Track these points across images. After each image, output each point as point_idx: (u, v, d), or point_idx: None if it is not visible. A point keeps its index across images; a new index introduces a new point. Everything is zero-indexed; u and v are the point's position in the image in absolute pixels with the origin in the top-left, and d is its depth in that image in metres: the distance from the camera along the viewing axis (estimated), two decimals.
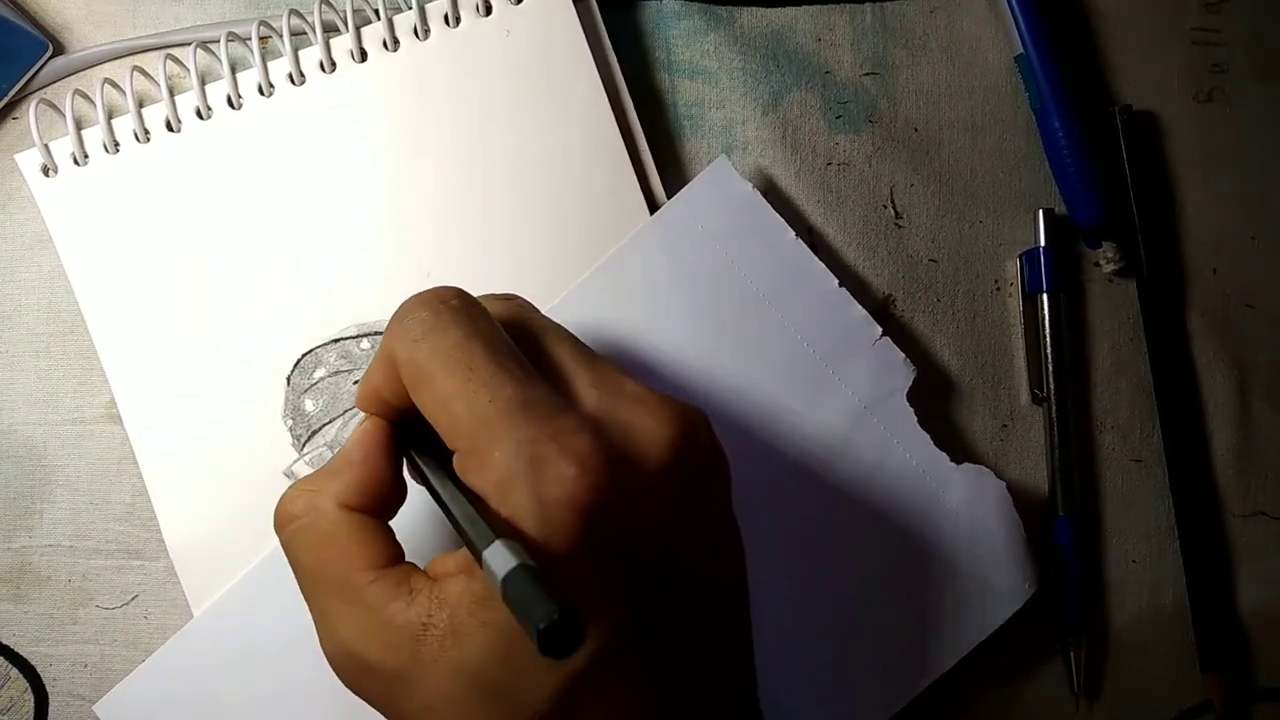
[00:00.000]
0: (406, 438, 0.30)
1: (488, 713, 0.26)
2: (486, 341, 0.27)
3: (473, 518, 0.25)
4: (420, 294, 0.29)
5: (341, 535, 0.28)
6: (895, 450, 0.40)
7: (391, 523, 0.30)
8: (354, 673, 0.27)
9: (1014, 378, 0.44)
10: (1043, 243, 0.43)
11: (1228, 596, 0.44)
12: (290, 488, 0.30)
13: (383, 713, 0.28)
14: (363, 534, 0.28)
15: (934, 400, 0.43)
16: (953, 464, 0.40)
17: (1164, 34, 0.45)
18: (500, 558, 0.23)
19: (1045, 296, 0.43)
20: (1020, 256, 0.44)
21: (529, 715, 0.25)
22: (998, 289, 0.44)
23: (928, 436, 0.40)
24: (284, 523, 0.29)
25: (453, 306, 0.28)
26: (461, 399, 0.26)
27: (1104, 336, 0.44)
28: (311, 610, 0.29)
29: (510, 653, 0.25)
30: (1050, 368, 0.43)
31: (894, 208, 0.44)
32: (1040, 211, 0.43)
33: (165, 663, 0.38)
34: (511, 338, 0.29)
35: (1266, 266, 0.45)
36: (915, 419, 0.40)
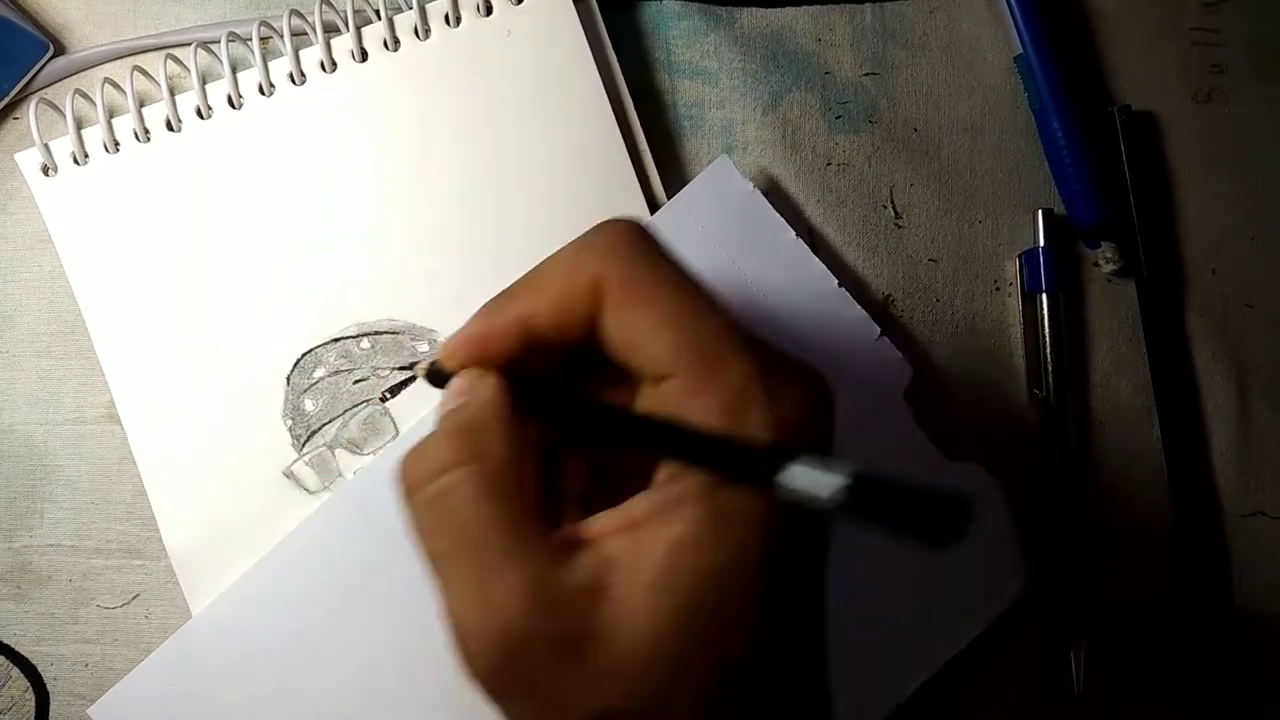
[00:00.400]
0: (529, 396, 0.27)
1: (675, 672, 0.23)
2: (694, 276, 0.27)
3: (730, 443, 0.24)
4: (613, 221, 0.27)
5: (511, 490, 0.25)
6: (892, 449, 0.40)
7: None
8: (513, 649, 0.23)
9: (1013, 377, 0.44)
10: (1042, 243, 0.43)
11: (1228, 596, 0.44)
12: (419, 444, 0.26)
13: (533, 702, 0.24)
14: (530, 489, 0.26)
15: (933, 399, 0.43)
16: (949, 462, 0.40)
17: (1163, 34, 0.45)
18: (817, 475, 0.22)
19: (1044, 296, 0.43)
20: (1020, 256, 0.44)
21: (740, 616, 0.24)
22: (997, 289, 0.44)
23: (924, 435, 0.40)
24: (426, 477, 0.25)
25: (653, 239, 0.27)
26: (691, 319, 0.26)
27: (1103, 336, 0.44)
28: (456, 582, 0.25)
29: (713, 592, 0.23)
30: (1049, 367, 0.43)
31: (894, 208, 0.44)
32: (1040, 212, 0.43)
33: (162, 664, 0.38)
34: None
35: (1266, 267, 0.45)
36: (912, 417, 0.40)
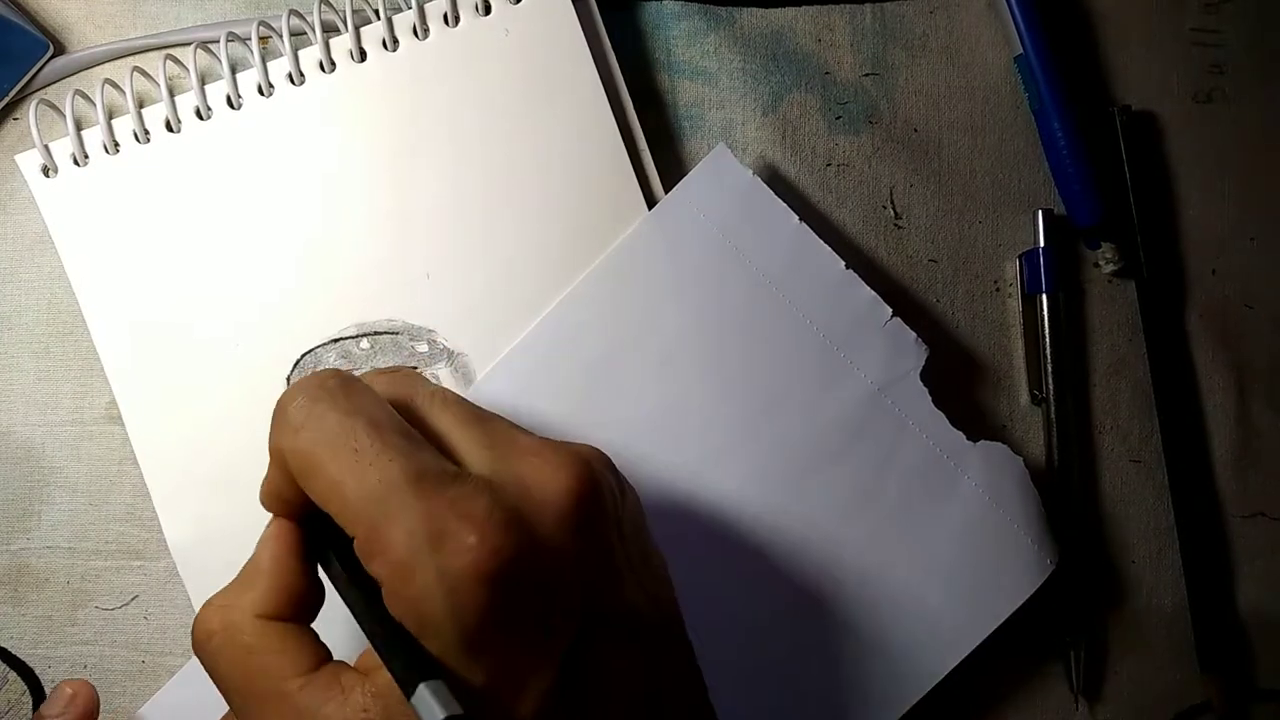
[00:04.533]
0: (314, 537, 0.29)
1: None
2: (369, 418, 0.27)
3: (394, 649, 0.25)
4: (297, 382, 0.28)
5: (263, 646, 0.27)
6: (912, 430, 0.40)
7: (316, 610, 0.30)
8: None
9: (1013, 378, 0.44)
10: (1042, 243, 0.43)
11: (1227, 597, 0.44)
12: (204, 605, 0.29)
13: None
14: (285, 641, 0.27)
15: (943, 399, 0.43)
16: (970, 442, 0.40)
17: (1163, 34, 0.45)
18: (428, 702, 0.23)
19: (1045, 297, 0.43)
20: (1020, 257, 0.44)
21: None
22: (997, 289, 0.44)
23: (943, 415, 0.40)
24: (202, 641, 0.28)
25: (329, 389, 0.28)
26: (351, 482, 0.25)
27: (1103, 337, 0.44)
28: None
29: None
30: (1050, 368, 0.43)
31: (894, 208, 0.44)
32: (1040, 212, 0.43)
33: (177, 693, 0.39)
34: (396, 410, 0.28)
35: (1266, 267, 0.45)
36: (930, 399, 0.40)
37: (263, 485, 0.29)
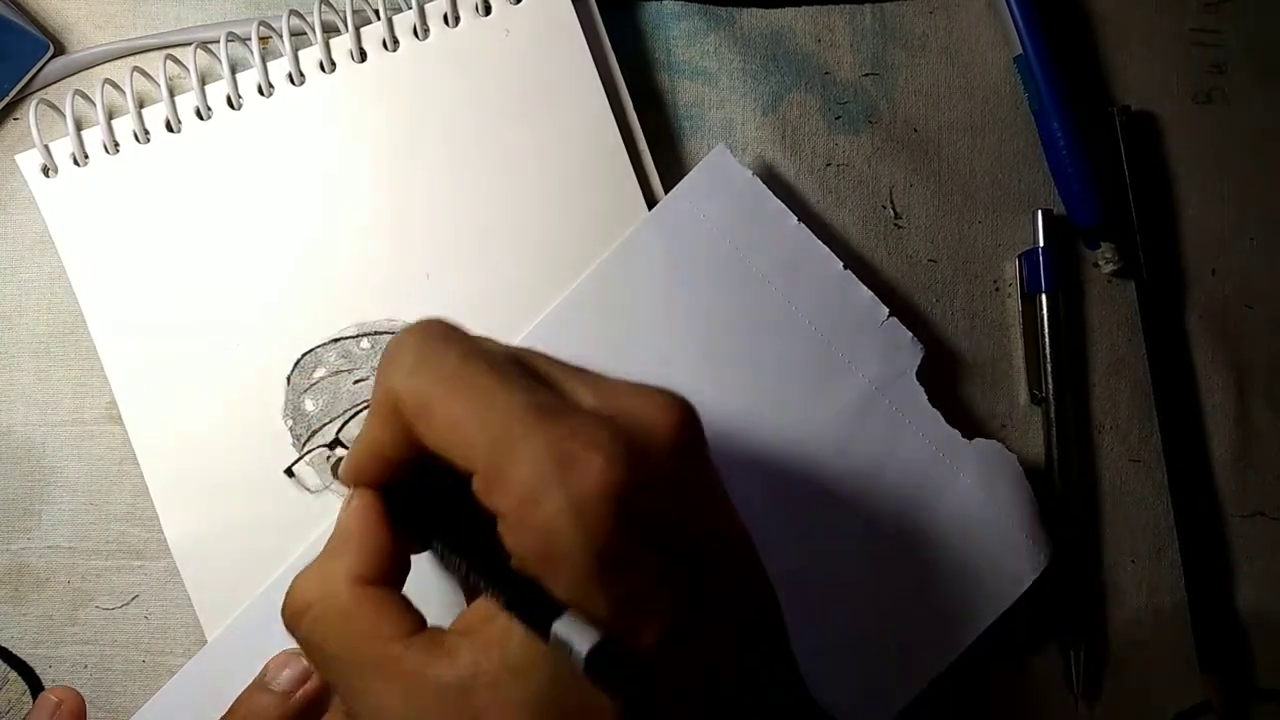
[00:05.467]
0: (400, 504, 0.30)
1: None
2: (485, 357, 0.27)
3: (519, 589, 0.25)
4: (404, 330, 0.28)
5: (362, 611, 0.27)
6: (908, 429, 0.40)
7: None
8: None
9: (1013, 378, 0.44)
10: (1042, 243, 0.43)
11: (1227, 597, 0.44)
12: (296, 578, 0.29)
13: None
14: (383, 606, 0.28)
15: (939, 398, 0.43)
16: (966, 440, 0.41)
17: (1163, 35, 0.46)
18: (571, 631, 0.23)
19: (1044, 297, 0.43)
20: (1019, 257, 0.44)
21: None
22: (997, 289, 0.44)
23: (939, 414, 0.40)
24: (299, 613, 0.28)
25: (440, 331, 0.28)
26: (474, 416, 0.26)
27: (1103, 337, 0.44)
28: (348, 695, 0.28)
29: (573, 676, 0.24)
30: (1049, 368, 0.43)
31: (893, 208, 0.44)
32: (1039, 212, 0.44)
33: (181, 688, 0.38)
34: None
35: (1265, 267, 0.45)
36: (926, 397, 0.41)
37: (355, 450, 0.29)
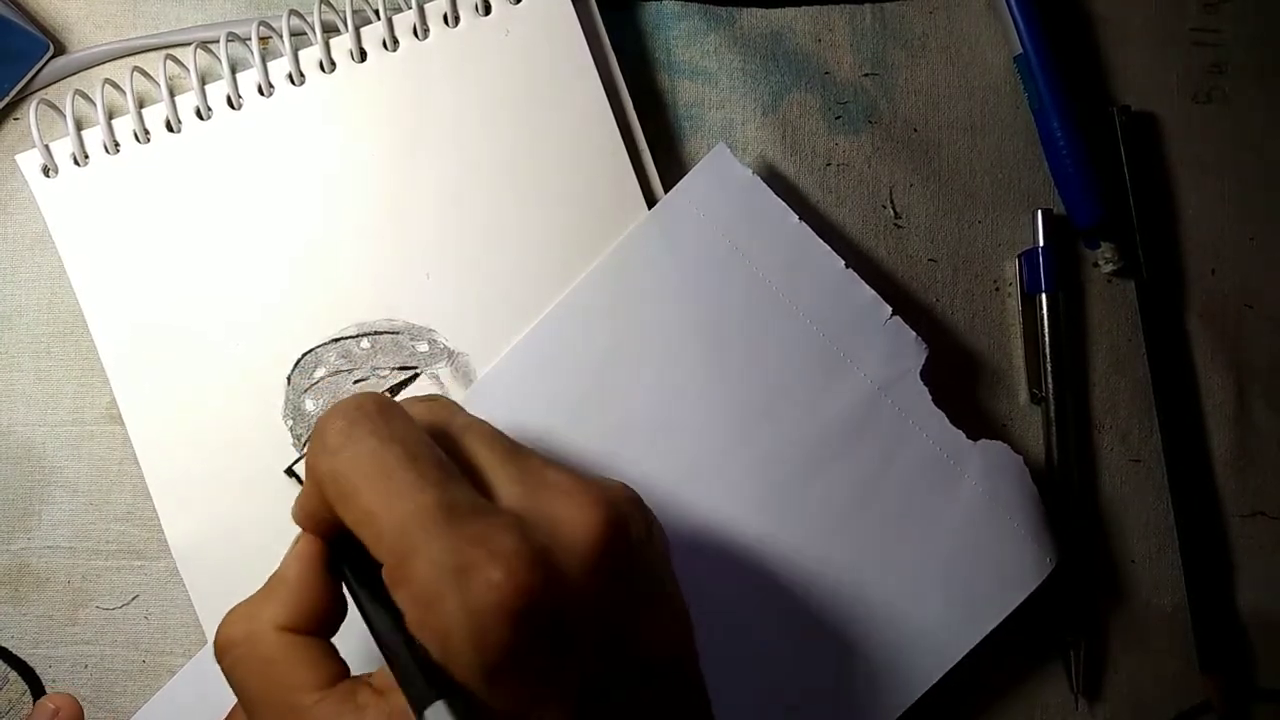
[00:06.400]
0: (341, 555, 0.30)
1: None
2: (404, 446, 0.27)
3: (409, 668, 0.25)
4: (337, 404, 0.28)
5: (282, 659, 0.28)
6: (912, 429, 0.40)
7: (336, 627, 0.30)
8: None
9: (1013, 378, 0.44)
10: (1041, 243, 0.43)
11: (1227, 597, 0.44)
12: (228, 613, 0.29)
13: None
14: (304, 655, 0.28)
15: (943, 398, 0.43)
16: (970, 440, 0.40)
17: (1163, 34, 0.46)
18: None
19: (1044, 297, 0.43)
20: (1019, 257, 0.44)
21: None
22: (997, 289, 0.44)
23: (943, 414, 0.40)
24: (224, 650, 0.28)
25: (368, 413, 0.28)
26: (382, 510, 0.26)
27: (1103, 337, 0.44)
28: None
29: None
30: (1049, 368, 0.43)
31: (893, 208, 0.44)
32: (1039, 212, 0.44)
33: (181, 687, 0.38)
34: (432, 438, 0.28)
35: (1265, 267, 0.45)
36: (930, 398, 0.40)
37: (297, 501, 0.30)
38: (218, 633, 0.29)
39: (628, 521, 0.28)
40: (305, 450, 0.29)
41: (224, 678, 0.29)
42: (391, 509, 0.25)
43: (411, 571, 0.25)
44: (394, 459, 0.26)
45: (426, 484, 0.26)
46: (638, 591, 0.28)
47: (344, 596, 0.30)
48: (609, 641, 0.27)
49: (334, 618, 0.29)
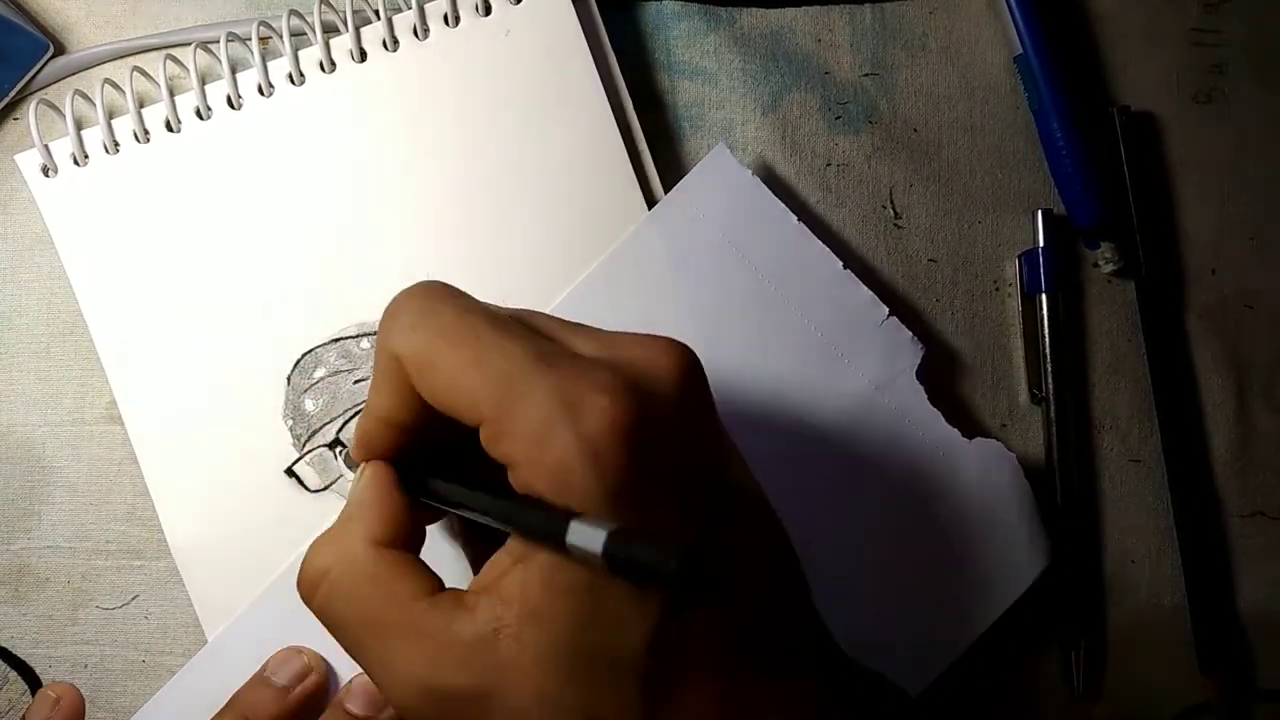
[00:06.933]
0: (411, 478, 0.30)
1: (589, 683, 0.25)
2: (483, 312, 0.27)
3: (532, 507, 0.25)
4: (401, 292, 0.29)
5: (383, 573, 0.27)
6: (908, 429, 0.40)
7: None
8: (431, 708, 0.26)
9: (1013, 378, 0.44)
10: (1041, 243, 0.43)
11: (1227, 597, 0.44)
12: (311, 547, 0.29)
13: None
14: (403, 568, 0.27)
15: (939, 398, 0.43)
16: (965, 439, 0.41)
17: (1163, 35, 0.45)
18: (587, 533, 0.23)
19: (1044, 297, 0.43)
20: (1019, 257, 0.44)
21: (629, 666, 0.25)
22: (997, 289, 0.44)
23: (939, 413, 0.41)
24: (315, 581, 0.28)
25: (439, 290, 0.28)
26: (476, 367, 0.26)
27: (1103, 337, 0.44)
28: (367, 661, 0.27)
29: (596, 612, 0.25)
30: (1049, 368, 0.43)
31: (893, 208, 0.44)
32: (1039, 212, 0.44)
33: (179, 692, 0.38)
34: None
35: (1265, 267, 0.45)
36: (926, 397, 0.41)
37: (362, 423, 0.30)
38: (303, 567, 0.28)
39: (697, 363, 0.28)
40: (377, 333, 0.28)
41: (317, 618, 0.28)
42: (487, 365, 0.26)
43: (518, 418, 0.25)
44: (479, 322, 0.27)
45: (514, 339, 0.26)
46: (722, 434, 0.29)
47: (420, 516, 0.30)
48: (708, 470, 0.27)
49: (418, 536, 0.29)
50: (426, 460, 0.30)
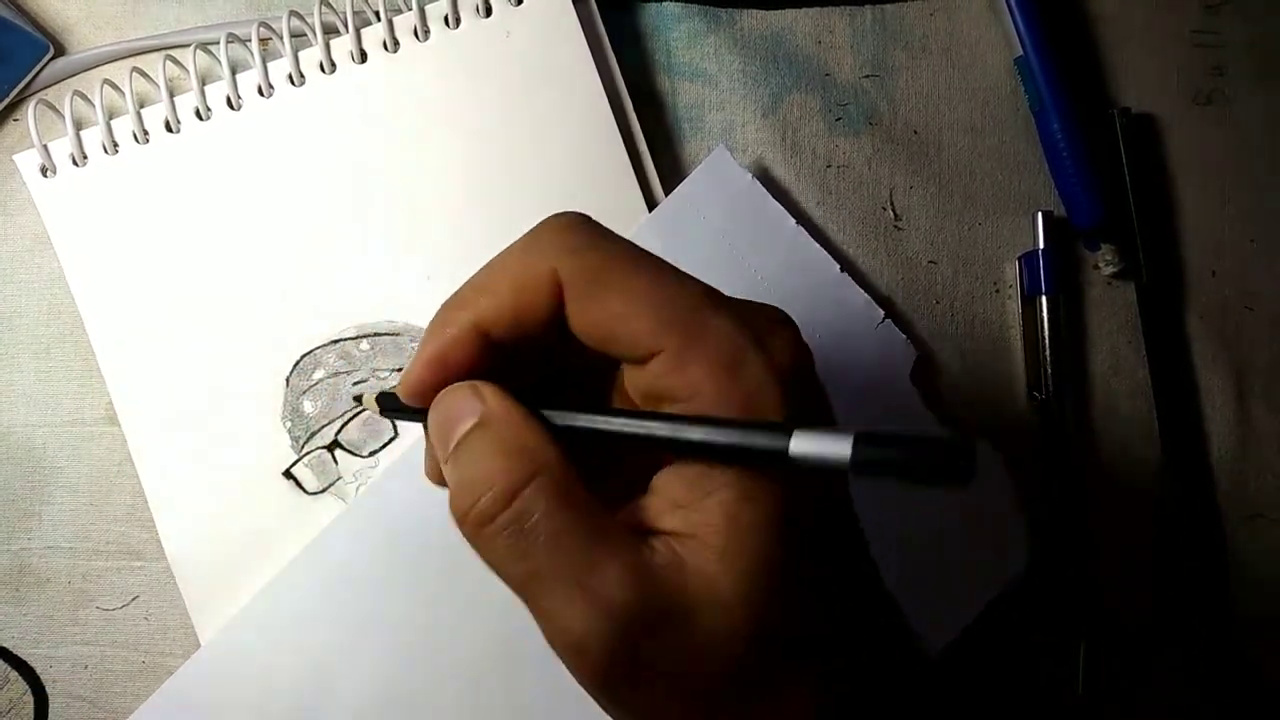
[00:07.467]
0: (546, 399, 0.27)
1: (784, 611, 0.24)
2: (648, 251, 0.27)
3: (736, 429, 0.24)
4: (551, 218, 0.27)
5: (577, 487, 0.25)
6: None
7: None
8: (633, 637, 0.23)
9: (1013, 379, 0.44)
10: (1042, 245, 0.43)
11: (1227, 597, 0.44)
12: (456, 457, 0.26)
13: (655, 690, 0.24)
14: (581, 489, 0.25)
15: (937, 382, 0.43)
16: None
17: (1163, 36, 0.45)
18: (823, 441, 0.22)
19: (1044, 298, 0.43)
20: (1019, 259, 0.44)
21: (821, 592, 0.25)
22: (997, 291, 0.44)
23: (932, 415, 0.41)
24: (500, 503, 0.25)
25: (597, 224, 0.28)
26: (662, 292, 0.26)
27: (1103, 338, 0.44)
28: (556, 594, 0.24)
29: (788, 540, 0.24)
30: (1049, 370, 0.43)
31: (893, 210, 0.44)
32: (1039, 214, 0.43)
33: (171, 696, 0.38)
34: None
35: (1265, 269, 0.45)
36: (919, 399, 0.41)
37: (436, 331, 0.27)
38: (464, 508, 0.25)
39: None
40: (515, 247, 0.27)
41: (490, 552, 0.25)
42: (674, 292, 0.26)
43: (709, 344, 0.25)
44: (647, 256, 0.27)
45: (688, 276, 0.26)
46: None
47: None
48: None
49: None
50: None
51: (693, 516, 0.24)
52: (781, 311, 0.27)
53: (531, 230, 0.27)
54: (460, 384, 0.27)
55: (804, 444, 0.22)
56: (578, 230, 0.27)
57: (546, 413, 0.26)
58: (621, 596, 0.23)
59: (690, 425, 0.24)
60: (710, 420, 0.24)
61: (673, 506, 0.25)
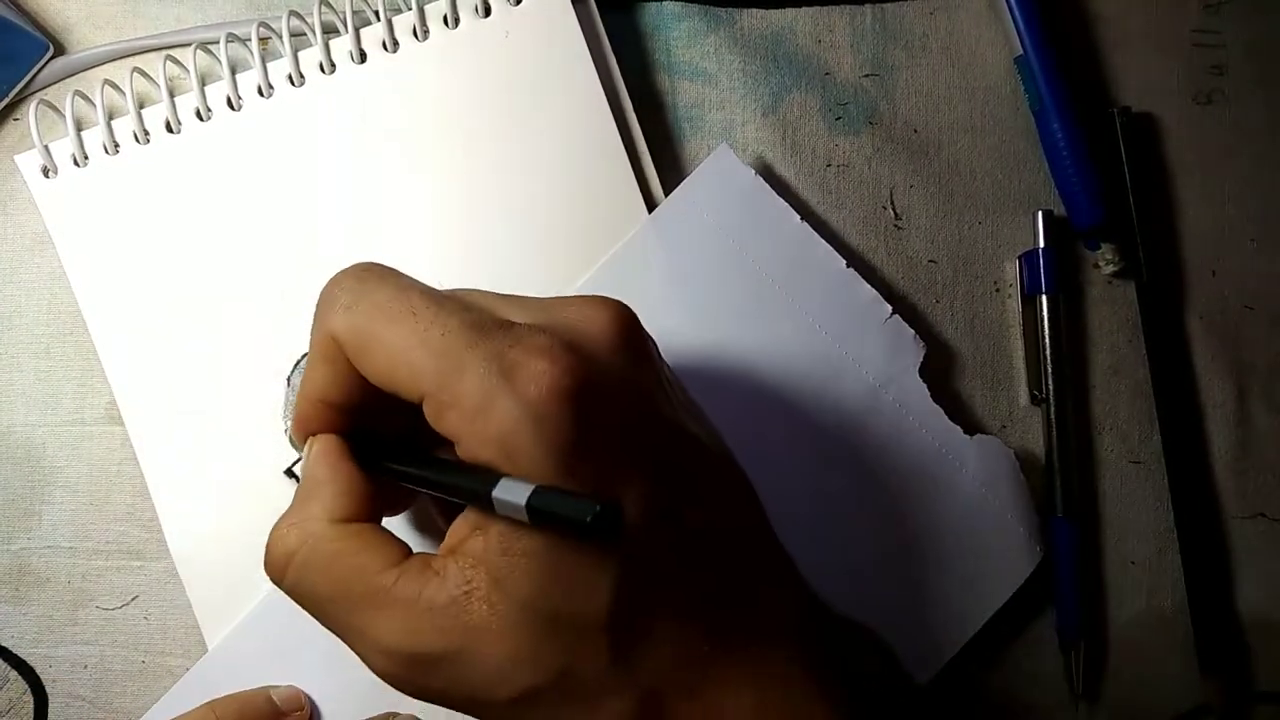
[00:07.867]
0: (361, 444, 0.30)
1: (558, 642, 0.26)
2: (418, 289, 0.28)
3: (467, 471, 0.26)
4: (336, 274, 0.29)
5: (346, 548, 0.28)
6: (910, 426, 0.41)
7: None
8: (411, 673, 0.27)
9: (1013, 379, 0.44)
10: (1042, 244, 0.43)
11: (1227, 598, 0.44)
12: (273, 531, 0.29)
13: (455, 704, 0.27)
14: (367, 540, 0.28)
15: (939, 395, 0.43)
16: (966, 436, 0.41)
17: (1163, 36, 0.45)
18: (512, 489, 0.24)
19: (1044, 298, 0.43)
20: (1019, 258, 0.44)
21: (597, 624, 0.25)
22: (997, 290, 0.44)
23: (941, 410, 0.41)
24: (283, 563, 0.28)
25: (372, 270, 0.29)
26: (414, 342, 0.26)
27: (1103, 338, 0.44)
28: (345, 634, 0.28)
29: (557, 570, 0.25)
30: (1049, 369, 0.43)
31: (893, 209, 0.44)
32: (1039, 213, 0.43)
33: (179, 700, 0.38)
34: None
35: (1265, 268, 0.45)
36: (928, 394, 0.41)
37: (300, 404, 0.30)
38: (269, 550, 0.29)
39: (635, 320, 0.29)
40: (315, 318, 0.29)
41: (289, 597, 0.29)
42: (425, 339, 0.26)
43: (459, 389, 0.25)
44: (415, 298, 0.27)
45: (450, 313, 0.26)
46: (669, 383, 0.29)
47: (382, 484, 0.30)
48: (654, 421, 0.28)
49: (378, 504, 0.30)
50: (380, 433, 0.30)
51: (470, 550, 0.26)
52: (544, 336, 0.26)
53: (319, 298, 0.29)
54: (311, 443, 0.30)
55: (503, 492, 0.24)
56: (349, 287, 0.28)
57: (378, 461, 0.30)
58: (395, 642, 0.26)
59: (443, 472, 0.27)
60: (453, 466, 0.26)
61: (459, 538, 0.27)
